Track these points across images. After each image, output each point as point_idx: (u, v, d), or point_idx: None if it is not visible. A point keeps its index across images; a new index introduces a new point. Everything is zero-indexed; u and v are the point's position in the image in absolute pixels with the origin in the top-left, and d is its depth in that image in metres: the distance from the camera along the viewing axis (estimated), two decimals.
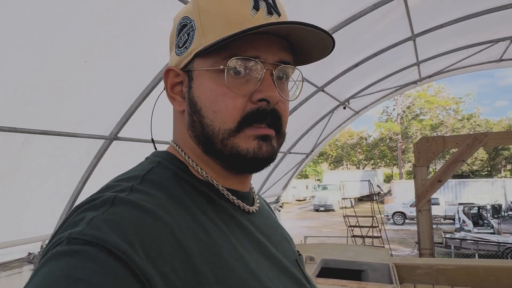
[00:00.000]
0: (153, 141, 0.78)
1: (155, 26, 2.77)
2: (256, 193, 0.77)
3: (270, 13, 0.60)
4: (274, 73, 0.60)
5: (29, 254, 3.37)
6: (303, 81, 0.71)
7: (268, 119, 0.61)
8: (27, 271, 3.32)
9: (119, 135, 3.38)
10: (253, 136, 0.60)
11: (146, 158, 0.68)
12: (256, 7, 0.59)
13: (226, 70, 0.58)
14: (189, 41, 0.62)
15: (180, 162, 0.65)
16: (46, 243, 2.96)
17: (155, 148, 0.73)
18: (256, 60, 0.59)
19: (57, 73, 2.55)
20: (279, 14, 0.62)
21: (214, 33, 0.58)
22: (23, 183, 2.91)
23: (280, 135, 0.64)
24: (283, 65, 0.61)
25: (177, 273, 0.48)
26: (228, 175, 0.66)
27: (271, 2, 0.62)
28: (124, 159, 3.60)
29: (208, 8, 0.60)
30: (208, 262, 0.52)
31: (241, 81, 0.59)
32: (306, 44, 0.63)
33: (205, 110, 0.60)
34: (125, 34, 2.68)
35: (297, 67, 0.67)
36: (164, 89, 0.69)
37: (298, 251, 0.79)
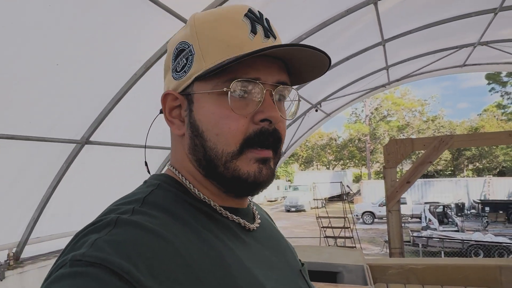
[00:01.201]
0: (146, 165, 0.78)
1: (128, 30, 2.72)
2: (255, 204, 0.78)
3: (267, 36, 0.62)
4: (273, 93, 0.62)
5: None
6: (299, 100, 0.72)
7: (270, 139, 0.61)
8: None
9: (91, 139, 3.29)
10: (254, 159, 0.61)
11: (145, 182, 0.67)
12: (253, 31, 0.61)
13: (229, 92, 0.58)
14: (188, 65, 0.62)
15: (179, 185, 0.65)
16: (13, 251, 2.83)
17: (148, 172, 0.74)
18: (258, 82, 0.59)
19: (26, 76, 2.46)
20: (274, 37, 0.64)
21: (214, 57, 0.59)
22: None
23: (277, 155, 0.66)
24: (281, 86, 0.62)
25: None
26: (226, 197, 0.66)
27: (267, 26, 0.64)
28: (97, 163, 3.51)
29: (207, 33, 0.61)
30: (215, 277, 0.52)
31: (242, 103, 0.60)
32: (303, 64, 0.64)
33: (208, 133, 0.60)
34: (98, 37, 2.62)
35: (293, 87, 0.68)
36: (162, 112, 0.68)
37: (300, 260, 0.80)
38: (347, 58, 5.61)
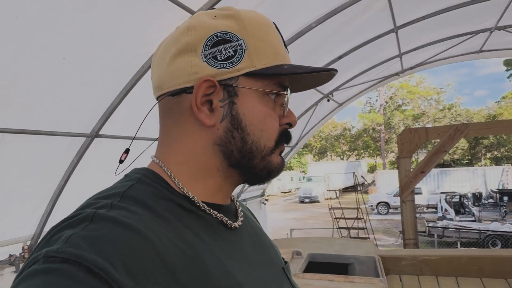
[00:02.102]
0: (127, 152, 0.76)
1: (135, 23, 2.70)
2: (238, 201, 0.77)
3: (285, 47, 0.69)
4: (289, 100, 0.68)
5: (10, 256, 3.29)
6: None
7: (291, 139, 0.71)
8: (8, 273, 3.24)
9: (101, 132, 3.30)
10: (280, 152, 0.69)
11: (125, 176, 0.65)
12: (283, 44, 0.68)
13: (274, 94, 0.65)
14: (237, 58, 0.62)
15: (161, 179, 0.63)
16: (28, 244, 2.88)
17: (121, 161, 0.73)
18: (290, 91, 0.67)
19: (35, 70, 2.48)
20: (287, 48, 0.70)
21: (266, 59, 0.63)
22: (1, 184, 2.83)
23: None
24: (292, 93, 0.69)
25: None
26: (219, 190, 0.67)
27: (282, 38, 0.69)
28: (107, 156, 3.53)
29: (258, 33, 0.64)
30: (192, 277, 0.51)
31: (277, 105, 0.67)
32: (314, 80, 0.70)
33: (251, 128, 0.63)
34: (104, 30, 2.61)
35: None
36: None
37: (283, 259, 0.79)
38: (359, 47, 5.51)
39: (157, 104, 0.68)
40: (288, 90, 0.66)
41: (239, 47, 0.62)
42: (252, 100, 0.63)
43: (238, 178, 0.67)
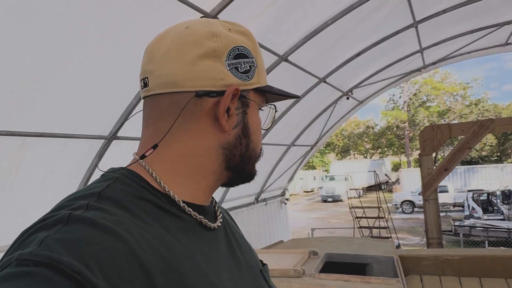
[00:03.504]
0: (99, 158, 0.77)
1: (151, 25, 2.73)
2: (217, 204, 0.77)
3: None
4: None
5: None
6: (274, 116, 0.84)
7: None
8: None
9: (119, 134, 3.36)
10: None
11: (102, 175, 0.65)
12: None
13: (270, 109, 0.77)
14: (251, 74, 0.68)
15: (139, 178, 0.62)
16: None
17: (97, 166, 0.75)
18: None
19: (52, 74, 2.53)
20: None
21: (264, 78, 0.72)
22: (23, 187, 2.91)
23: None
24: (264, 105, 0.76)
25: None
26: (208, 190, 0.69)
27: None
28: (125, 157, 3.58)
29: (260, 55, 0.72)
30: (169, 280, 0.50)
31: None
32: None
33: (254, 136, 0.70)
34: (120, 33, 2.65)
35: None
36: (223, 104, 0.64)
37: (261, 261, 0.80)
38: (377, 43, 5.41)
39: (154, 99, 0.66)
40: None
41: (252, 64, 0.68)
42: (255, 112, 0.71)
43: (226, 180, 0.71)
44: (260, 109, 0.74)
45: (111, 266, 0.45)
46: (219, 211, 0.74)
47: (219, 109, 0.63)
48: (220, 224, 0.70)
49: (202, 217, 0.65)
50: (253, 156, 0.71)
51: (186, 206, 0.63)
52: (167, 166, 0.64)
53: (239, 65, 0.66)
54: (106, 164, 2.74)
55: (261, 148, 0.75)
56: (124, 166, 0.66)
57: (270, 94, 0.74)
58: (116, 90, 3.09)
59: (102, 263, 0.44)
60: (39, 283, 0.40)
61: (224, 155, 0.67)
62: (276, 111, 0.78)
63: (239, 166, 0.69)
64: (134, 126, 3.40)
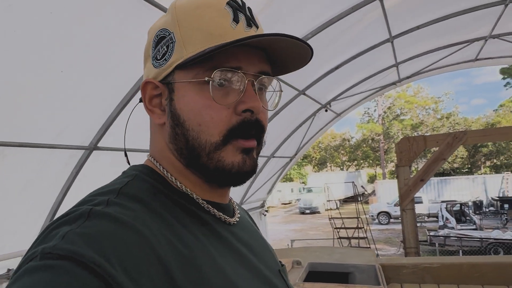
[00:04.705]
0: (126, 154, 0.76)
1: (132, 35, 2.73)
2: (236, 204, 0.77)
3: (249, 25, 0.61)
4: (255, 84, 0.61)
5: (9, 270, 3.26)
6: (281, 91, 0.71)
7: (253, 131, 0.61)
8: None
9: (99, 144, 3.31)
10: (240, 150, 0.61)
11: (123, 172, 0.66)
12: (236, 20, 0.60)
13: (210, 81, 0.58)
14: (169, 53, 0.61)
15: (158, 176, 0.64)
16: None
17: (128, 162, 0.72)
18: (239, 71, 0.59)
19: (33, 84, 2.49)
20: (257, 27, 0.63)
21: (195, 46, 0.58)
22: (1, 198, 2.82)
23: (260, 145, 0.65)
24: (263, 76, 0.62)
25: (155, 287, 0.47)
26: (208, 188, 0.65)
27: (249, 15, 0.63)
28: (106, 168, 3.53)
29: (188, 20, 0.60)
30: (187, 275, 0.51)
31: (224, 93, 0.59)
32: (286, 55, 0.64)
33: (190, 123, 0.60)
34: (102, 43, 2.63)
35: (276, 77, 0.68)
36: (141, 101, 0.67)
37: (280, 262, 0.78)
38: (355, 57, 5.56)
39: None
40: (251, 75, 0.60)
41: (170, 41, 0.61)
42: (188, 93, 0.59)
43: (204, 178, 0.64)
44: (209, 82, 0.58)
45: (130, 260, 0.46)
46: (237, 208, 0.74)
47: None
48: (238, 220, 0.70)
49: (221, 213, 0.65)
50: (199, 147, 0.59)
51: (205, 203, 0.63)
52: (166, 164, 0.65)
53: (158, 53, 0.63)
54: (86, 175, 2.69)
55: (232, 131, 0.59)
56: (143, 163, 0.68)
57: (251, 54, 0.60)
58: (98, 100, 3.05)
59: (122, 257, 0.46)
60: (61, 276, 0.41)
61: (175, 150, 0.62)
62: (221, 75, 0.58)
63: (193, 162, 0.61)
64: (115, 137, 3.37)
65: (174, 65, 0.60)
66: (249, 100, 0.59)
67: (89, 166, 3.34)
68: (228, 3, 0.61)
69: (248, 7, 0.64)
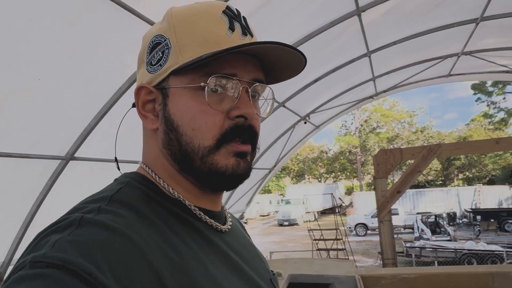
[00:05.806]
0: (116, 160, 0.75)
1: (112, 44, 2.71)
2: (229, 212, 0.77)
3: (244, 34, 0.63)
4: (249, 90, 0.62)
5: None
6: (273, 99, 0.73)
7: (246, 135, 0.62)
8: None
9: (76, 155, 3.24)
10: (233, 153, 0.61)
11: (115, 180, 0.65)
12: (231, 28, 0.61)
13: (206, 87, 0.59)
14: (164, 59, 0.61)
15: (150, 182, 0.63)
16: None
17: (118, 168, 0.71)
18: (234, 78, 0.60)
19: (8, 91, 2.42)
20: (251, 35, 0.65)
21: (191, 52, 0.59)
22: None
23: (254, 150, 0.67)
24: (257, 83, 0.63)
25: None
26: (201, 194, 0.65)
27: (244, 24, 0.64)
28: (82, 179, 3.45)
29: (185, 27, 0.61)
30: (178, 282, 0.51)
31: (219, 99, 0.60)
32: (279, 63, 0.65)
33: (183, 128, 0.60)
34: (81, 51, 2.60)
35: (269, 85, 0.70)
36: (134, 106, 0.67)
37: (272, 271, 0.78)
38: (334, 70, 5.66)
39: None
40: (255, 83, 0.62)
41: (165, 47, 0.62)
42: (183, 98, 0.60)
43: (198, 183, 0.64)
44: (205, 88, 0.58)
45: (121, 267, 0.46)
46: (229, 216, 0.74)
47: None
48: (230, 228, 0.69)
49: (212, 220, 0.65)
50: (192, 151, 0.60)
51: (197, 209, 0.63)
52: (159, 170, 0.65)
53: (153, 58, 0.63)
54: (62, 185, 2.62)
55: (225, 135, 0.60)
56: (135, 170, 0.67)
57: (245, 61, 0.61)
58: (76, 109, 2.99)
59: (113, 264, 0.45)
60: (51, 284, 0.41)
61: (169, 156, 0.63)
62: (215, 83, 0.59)
63: (186, 166, 0.61)
64: (92, 147, 3.30)
65: (169, 71, 0.61)
66: (243, 106, 0.61)
67: (66, 176, 3.25)
68: (224, 12, 0.62)
69: (243, 16, 0.66)
